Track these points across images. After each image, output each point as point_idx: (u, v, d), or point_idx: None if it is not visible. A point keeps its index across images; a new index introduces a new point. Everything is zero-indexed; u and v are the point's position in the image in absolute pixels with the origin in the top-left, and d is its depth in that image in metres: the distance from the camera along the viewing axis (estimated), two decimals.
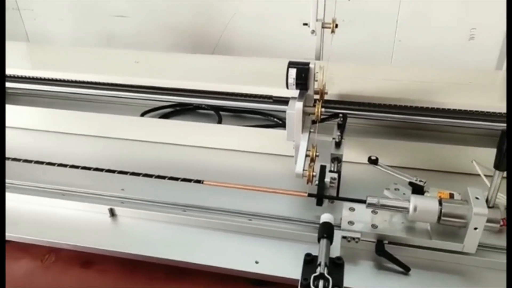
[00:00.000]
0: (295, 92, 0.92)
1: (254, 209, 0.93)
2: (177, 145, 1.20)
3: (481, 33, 1.49)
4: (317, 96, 0.94)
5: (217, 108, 1.28)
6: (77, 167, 0.97)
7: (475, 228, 0.76)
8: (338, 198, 0.88)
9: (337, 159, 0.93)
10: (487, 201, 0.77)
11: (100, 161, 1.01)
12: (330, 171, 0.89)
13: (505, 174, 0.77)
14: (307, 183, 0.87)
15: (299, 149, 0.90)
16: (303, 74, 0.89)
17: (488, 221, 0.75)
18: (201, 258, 0.85)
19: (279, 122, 1.25)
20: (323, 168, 0.89)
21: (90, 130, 1.24)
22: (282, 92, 1.07)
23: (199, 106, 1.31)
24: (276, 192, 0.90)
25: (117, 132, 1.23)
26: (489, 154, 0.77)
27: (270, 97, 1.13)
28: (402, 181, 0.90)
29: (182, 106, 1.32)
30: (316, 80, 0.92)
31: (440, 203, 0.78)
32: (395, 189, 0.93)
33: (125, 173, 0.96)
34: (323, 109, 0.90)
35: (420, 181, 0.87)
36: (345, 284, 0.69)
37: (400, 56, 1.58)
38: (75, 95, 1.30)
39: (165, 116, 1.30)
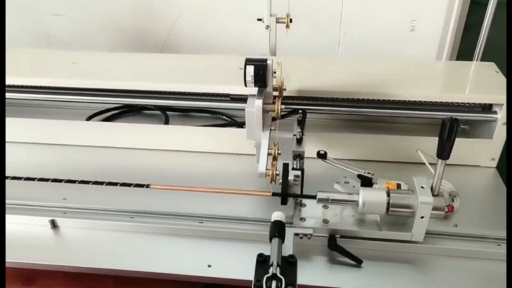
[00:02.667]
0: (253, 90, 0.89)
1: (213, 212, 0.91)
2: (123, 149, 1.15)
3: (421, 25, 1.53)
4: (276, 93, 0.91)
5: (163, 108, 1.24)
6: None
7: (422, 217, 0.77)
8: (302, 195, 0.87)
9: (299, 156, 0.91)
10: (432, 189, 0.79)
11: (42, 170, 0.97)
12: (293, 168, 0.88)
13: (447, 161, 0.79)
14: (271, 182, 0.85)
15: (261, 147, 0.88)
16: (261, 71, 0.87)
17: (434, 209, 0.77)
18: (152, 265, 0.82)
19: (228, 120, 1.23)
20: (286, 166, 0.88)
21: (28, 137, 1.17)
22: (237, 89, 1.04)
23: (144, 107, 1.27)
24: (238, 193, 0.88)
25: (58, 138, 1.17)
26: (434, 142, 0.79)
27: (226, 95, 1.10)
28: (352, 174, 0.90)
29: (128, 107, 1.27)
30: (274, 77, 0.89)
31: (388, 194, 0.79)
32: (345, 182, 0.93)
33: (60, 181, 0.90)
34: (283, 106, 0.88)
35: (368, 173, 0.87)
36: (299, 281, 0.69)
37: (346, 49, 1.60)
38: (11, 100, 1.21)
39: (109, 118, 1.25)
